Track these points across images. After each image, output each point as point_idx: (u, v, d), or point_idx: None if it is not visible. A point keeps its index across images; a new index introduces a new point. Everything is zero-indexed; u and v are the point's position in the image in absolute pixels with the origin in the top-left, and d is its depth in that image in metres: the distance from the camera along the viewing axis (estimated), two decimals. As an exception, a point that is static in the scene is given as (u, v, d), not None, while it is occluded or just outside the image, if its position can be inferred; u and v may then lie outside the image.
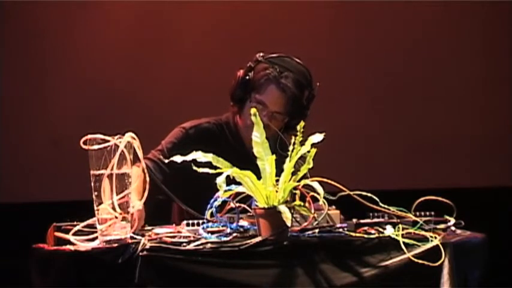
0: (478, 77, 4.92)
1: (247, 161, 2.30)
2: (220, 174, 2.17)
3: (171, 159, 2.28)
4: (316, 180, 2.20)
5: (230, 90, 2.91)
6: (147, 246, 2.12)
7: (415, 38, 4.89)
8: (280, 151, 2.39)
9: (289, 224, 2.16)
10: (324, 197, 2.21)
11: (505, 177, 4.85)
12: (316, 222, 2.32)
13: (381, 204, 2.33)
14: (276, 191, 2.21)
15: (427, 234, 2.26)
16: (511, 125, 4.91)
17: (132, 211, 2.23)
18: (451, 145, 4.88)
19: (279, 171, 2.24)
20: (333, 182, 2.24)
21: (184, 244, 2.16)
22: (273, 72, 2.85)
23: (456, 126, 4.89)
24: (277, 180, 2.23)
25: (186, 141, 2.89)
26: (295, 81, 2.85)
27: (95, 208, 2.16)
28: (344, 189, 2.29)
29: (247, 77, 2.88)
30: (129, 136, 2.16)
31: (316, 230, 2.30)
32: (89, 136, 2.14)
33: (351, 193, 2.29)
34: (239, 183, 2.23)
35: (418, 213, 2.39)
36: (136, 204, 2.28)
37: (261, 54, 2.91)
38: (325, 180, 2.22)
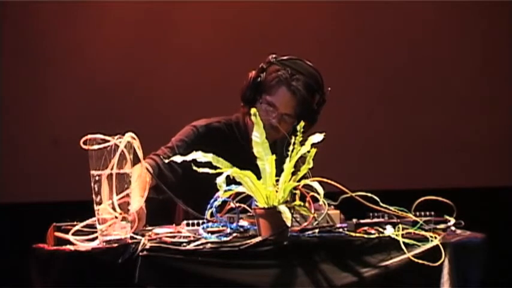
0: (478, 77, 4.93)
1: (255, 160, 2.29)
2: (220, 174, 2.17)
3: (172, 159, 2.27)
4: (316, 180, 2.20)
5: (241, 91, 2.91)
6: (147, 246, 2.12)
7: (415, 38, 4.89)
8: (286, 154, 2.39)
9: (289, 224, 2.16)
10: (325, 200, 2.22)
11: (505, 177, 4.85)
12: (316, 222, 2.33)
13: (381, 204, 2.33)
14: (276, 191, 2.21)
15: (427, 234, 2.26)
16: (511, 125, 4.91)
17: (132, 211, 2.23)
18: (451, 145, 4.88)
19: (280, 171, 2.24)
20: (333, 182, 2.24)
21: (184, 244, 2.16)
22: (285, 74, 2.85)
23: (456, 126, 4.89)
24: (277, 180, 2.23)
25: (197, 140, 2.87)
26: (306, 84, 2.84)
27: (95, 208, 2.16)
28: (345, 189, 2.28)
29: (259, 79, 2.88)
30: (129, 136, 2.16)
31: (316, 230, 2.30)
32: (89, 136, 2.14)
33: (352, 194, 2.29)
34: (239, 183, 2.23)
35: (418, 213, 2.39)
36: (136, 204, 2.28)
37: (274, 55, 2.90)
38: (325, 180, 2.22)
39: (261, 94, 2.87)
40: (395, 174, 4.83)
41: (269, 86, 2.86)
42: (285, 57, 2.90)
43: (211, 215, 2.32)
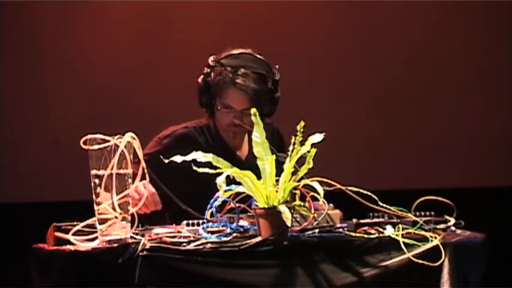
0: (478, 77, 4.92)
1: (231, 161, 2.28)
2: (219, 174, 2.17)
3: (172, 159, 2.27)
4: (316, 180, 2.20)
5: (197, 98, 2.91)
6: (147, 246, 2.12)
7: (415, 38, 4.89)
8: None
9: (289, 224, 2.16)
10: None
11: (505, 177, 4.85)
12: (316, 222, 2.32)
13: (380, 204, 2.33)
14: (276, 191, 2.21)
15: (427, 234, 2.26)
16: (511, 125, 4.91)
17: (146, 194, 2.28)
18: (451, 145, 4.88)
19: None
20: (333, 182, 2.24)
21: (184, 244, 2.16)
22: (227, 74, 2.84)
23: (456, 126, 4.89)
24: (277, 180, 2.23)
25: (161, 151, 2.82)
26: (251, 75, 2.83)
27: (95, 208, 2.16)
28: (340, 186, 2.28)
29: (208, 83, 2.88)
30: (129, 136, 2.17)
31: (316, 230, 2.30)
32: (89, 136, 2.15)
33: (348, 188, 2.28)
34: (239, 183, 2.23)
35: (418, 213, 2.39)
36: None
37: (212, 58, 2.90)
38: (325, 180, 2.22)
39: (215, 98, 2.87)
40: (395, 174, 4.83)
41: (219, 89, 2.86)
42: (222, 56, 2.88)
43: (212, 215, 2.32)
